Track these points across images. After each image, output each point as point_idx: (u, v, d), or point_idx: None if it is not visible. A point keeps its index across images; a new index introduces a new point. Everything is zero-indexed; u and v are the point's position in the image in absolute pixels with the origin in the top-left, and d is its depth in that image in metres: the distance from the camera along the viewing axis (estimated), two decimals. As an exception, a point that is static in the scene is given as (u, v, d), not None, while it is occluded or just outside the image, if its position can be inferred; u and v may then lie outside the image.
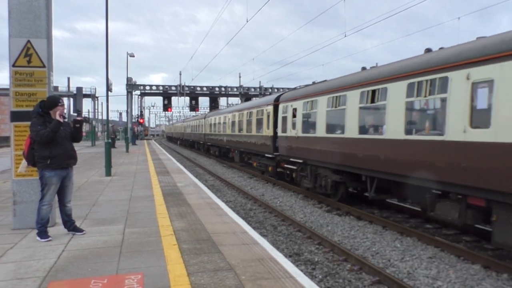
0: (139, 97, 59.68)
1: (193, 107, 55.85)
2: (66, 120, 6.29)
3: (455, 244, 7.85)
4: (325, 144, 12.06)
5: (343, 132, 11.05)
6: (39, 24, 6.61)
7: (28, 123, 6.11)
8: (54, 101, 6.05)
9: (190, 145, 50.07)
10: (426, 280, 6.45)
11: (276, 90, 54.05)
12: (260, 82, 64.84)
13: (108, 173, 14.68)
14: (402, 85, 8.68)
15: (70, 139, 6.32)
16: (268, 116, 17.60)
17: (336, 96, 11.45)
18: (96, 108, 77.29)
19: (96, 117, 75.01)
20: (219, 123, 29.74)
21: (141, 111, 62.76)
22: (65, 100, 68.03)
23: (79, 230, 6.44)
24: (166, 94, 54.57)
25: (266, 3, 17.87)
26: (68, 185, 6.33)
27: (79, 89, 71.98)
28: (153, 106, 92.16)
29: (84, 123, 6.70)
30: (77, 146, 6.68)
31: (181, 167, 18.71)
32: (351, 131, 10.62)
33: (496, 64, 6.50)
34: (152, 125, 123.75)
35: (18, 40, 6.54)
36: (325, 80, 13.83)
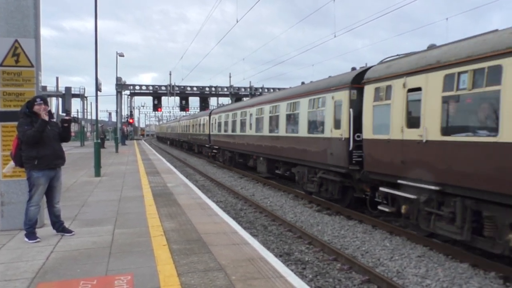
0: (129, 97, 59.30)
1: (183, 107, 55.54)
2: (54, 120, 6.24)
3: (443, 243, 7.93)
4: (224, 138, 24.38)
5: (227, 132, 23.43)
6: (27, 24, 6.55)
7: (16, 123, 6.05)
8: (31, 100, 6.01)
9: (171, 143, 59.78)
10: (415, 279, 6.52)
11: (266, 90, 54.12)
12: (250, 82, 64.75)
13: (97, 173, 14.57)
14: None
15: (59, 139, 6.27)
16: (206, 122, 29.68)
17: (226, 114, 23.99)
18: (85, 108, 76.60)
19: (85, 117, 74.31)
20: (187, 125, 40.91)
21: (130, 111, 62.32)
22: (53, 100, 67.42)
23: (68, 231, 6.39)
24: (156, 94, 54.24)
25: (257, 3, 17.88)
26: (57, 185, 6.28)
27: (68, 89, 71.41)
28: (143, 106, 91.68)
29: (73, 123, 6.66)
30: (65, 146, 6.62)
31: (171, 167, 18.66)
32: (229, 131, 22.77)
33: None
34: (141, 125, 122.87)
35: (5, 39, 6.48)
36: (228, 104, 33.39)
